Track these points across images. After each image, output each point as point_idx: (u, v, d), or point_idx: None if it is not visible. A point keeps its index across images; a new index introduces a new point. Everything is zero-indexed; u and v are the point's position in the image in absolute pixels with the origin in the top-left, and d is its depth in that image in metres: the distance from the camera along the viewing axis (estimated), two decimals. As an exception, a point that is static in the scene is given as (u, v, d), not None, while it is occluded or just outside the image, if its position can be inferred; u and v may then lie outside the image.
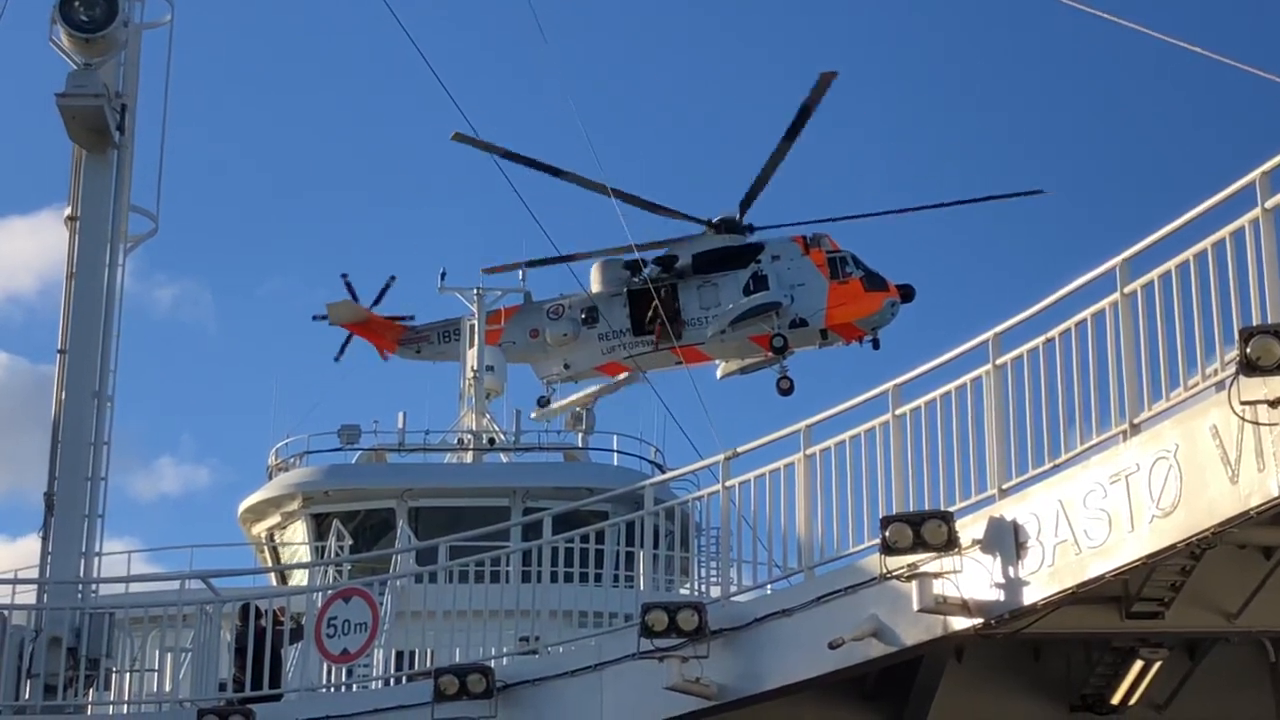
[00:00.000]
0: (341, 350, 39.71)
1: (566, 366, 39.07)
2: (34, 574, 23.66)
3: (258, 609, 21.45)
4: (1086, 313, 15.63)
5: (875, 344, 38.32)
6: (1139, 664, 17.49)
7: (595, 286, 39.04)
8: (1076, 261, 15.83)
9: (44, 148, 75.01)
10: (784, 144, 37.12)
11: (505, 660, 19.96)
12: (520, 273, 39.85)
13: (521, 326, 39.21)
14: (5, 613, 21.78)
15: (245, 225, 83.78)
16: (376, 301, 39.36)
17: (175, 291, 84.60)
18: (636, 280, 38.23)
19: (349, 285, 39.35)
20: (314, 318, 39.64)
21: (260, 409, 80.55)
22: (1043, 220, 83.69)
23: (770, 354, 38.34)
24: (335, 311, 39.14)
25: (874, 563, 16.56)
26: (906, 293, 38.49)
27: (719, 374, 39.91)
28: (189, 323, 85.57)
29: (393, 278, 39.62)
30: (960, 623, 16.11)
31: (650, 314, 37.47)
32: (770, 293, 37.72)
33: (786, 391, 38.34)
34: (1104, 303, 15.44)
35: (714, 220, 38.81)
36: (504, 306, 39.58)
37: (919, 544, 15.96)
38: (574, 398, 39.80)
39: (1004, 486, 16.24)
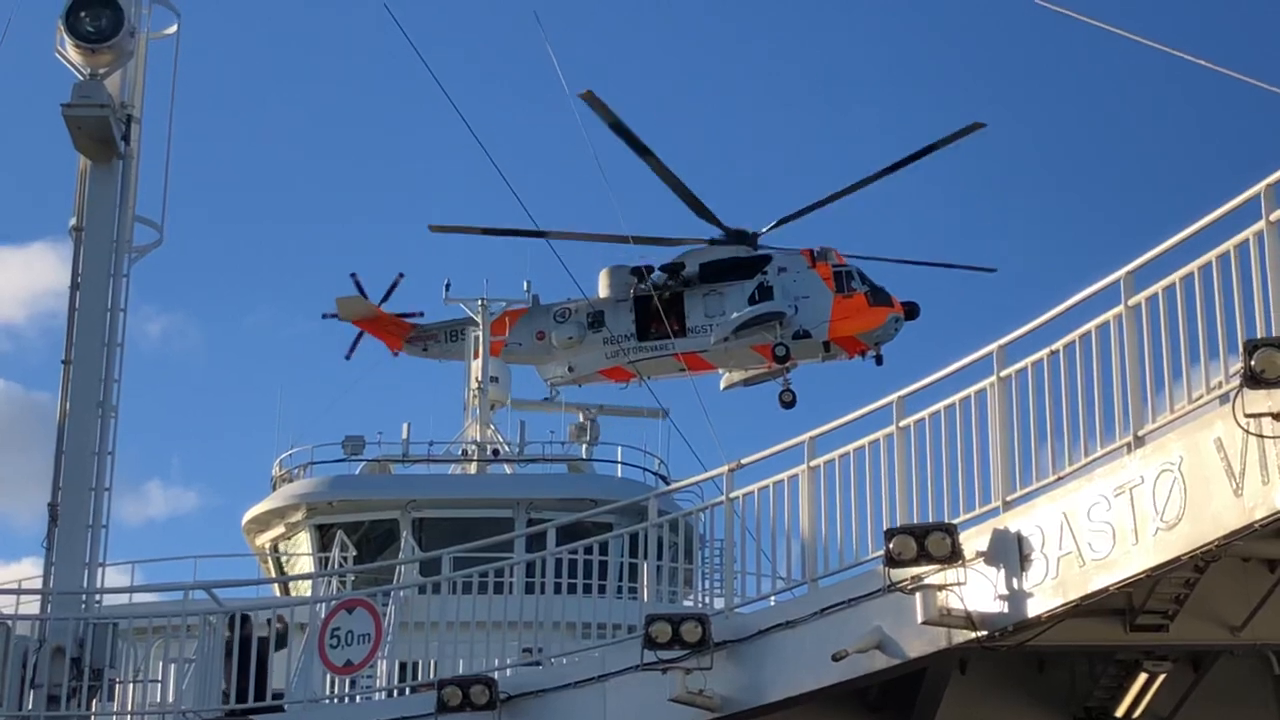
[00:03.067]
0: (352, 348, 39.74)
1: (571, 369, 39.18)
2: (37, 584, 23.66)
3: (243, 617, 21.41)
4: (1091, 325, 15.63)
5: (878, 360, 38.41)
6: (1143, 677, 17.46)
7: (602, 292, 39.19)
8: (1080, 276, 15.83)
9: (43, 176, 74.92)
10: (649, 160, 36.99)
11: (509, 671, 19.94)
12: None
13: (527, 329, 39.35)
14: (9, 623, 21.78)
15: (236, 249, 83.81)
16: (384, 299, 39.41)
17: (164, 324, 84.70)
18: (643, 286, 38.34)
19: (358, 284, 39.38)
20: (324, 315, 39.66)
21: (248, 434, 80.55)
22: (1043, 234, 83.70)
23: (773, 364, 38.44)
24: (345, 306, 39.16)
25: (878, 575, 16.56)
26: (911, 310, 38.60)
27: (722, 385, 40.00)
28: (178, 353, 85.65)
29: (400, 275, 39.72)
30: (964, 635, 16.08)
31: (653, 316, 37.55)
32: (775, 302, 37.82)
33: (789, 404, 38.47)
34: (1108, 315, 15.44)
35: (718, 236, 38.95)
36: (510, 310, 39.69)
37: (923, 556, 15.94)
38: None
39: (1008, 499, 16.23)
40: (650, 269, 38.74)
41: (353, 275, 39.57)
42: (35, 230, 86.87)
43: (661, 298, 37.94)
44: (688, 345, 38.31)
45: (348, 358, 39.83)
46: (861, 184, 37.85)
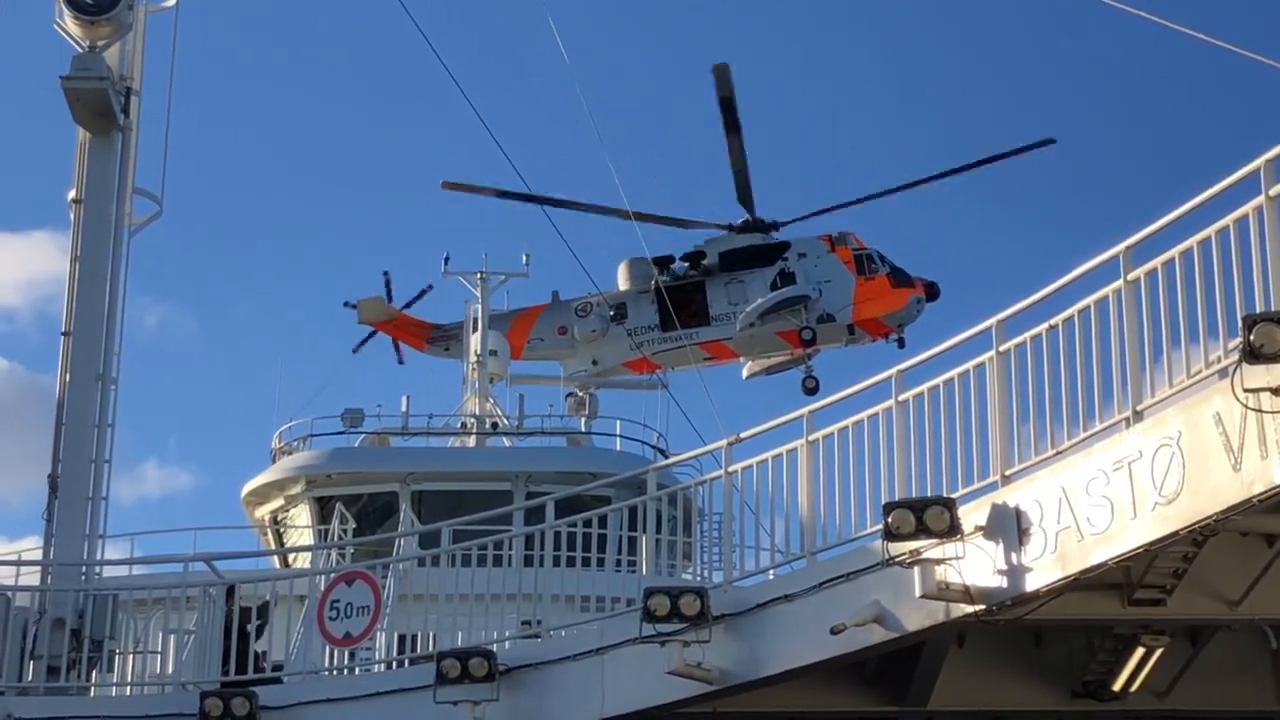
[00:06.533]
0: (361, 344, 39.76)
1: (595, 363, 39.21)
2: (38, 555, 23.70)
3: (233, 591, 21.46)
4: (1090, 299, 15.62)
5: (900, 343, 38.50)
6: (1140, 651, 17.49)
7: (623, 284, 39.28)
8: (1083, 249, 15.81)
9: (47, 163, 74.85)
10: (732, 139, 37.12)
11: (507, 644, 19.98)
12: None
13: (550, 324, 39.42)
14: (9, 594, 21.82)
15: (234, 234, 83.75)
16: (409, 305, 39.42)
17: (160, 314, 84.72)
18: (664, 277, 38.36)
19: (388, 284, 39.42)
20: (345, 304, 39.68)
21: (245, 416, 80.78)
22: (1051, 206, 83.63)
23: (797, 350, 38.54)
24: (365, 308, 39.16)
25: (876, 548, 16.58)
26: (932, 290, 38.70)
27: (745, 374, 40.09)
28: (174, 341, 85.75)
29: (429, 286, 39.76)
30: (962, 609, 16.11)
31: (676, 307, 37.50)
32: (798, 287, 37.94)
33: (812, 390, 38.48)
34: (1108, 289, 15.43)
35: (736, 223, 39.07)
36: (532, 305, 39.78)
37: (921, 530, 15.96)
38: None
39: (1007, 473, 16.24)
40: (671, 259, 38.84)
41: (384, 274, 39.67)
42: (37, 219, 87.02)
43: (683, 288, 37.99)
44: (712, 334, 38.45)
45: (355, 351, 39.88)
46: (913, 184, 38.13)
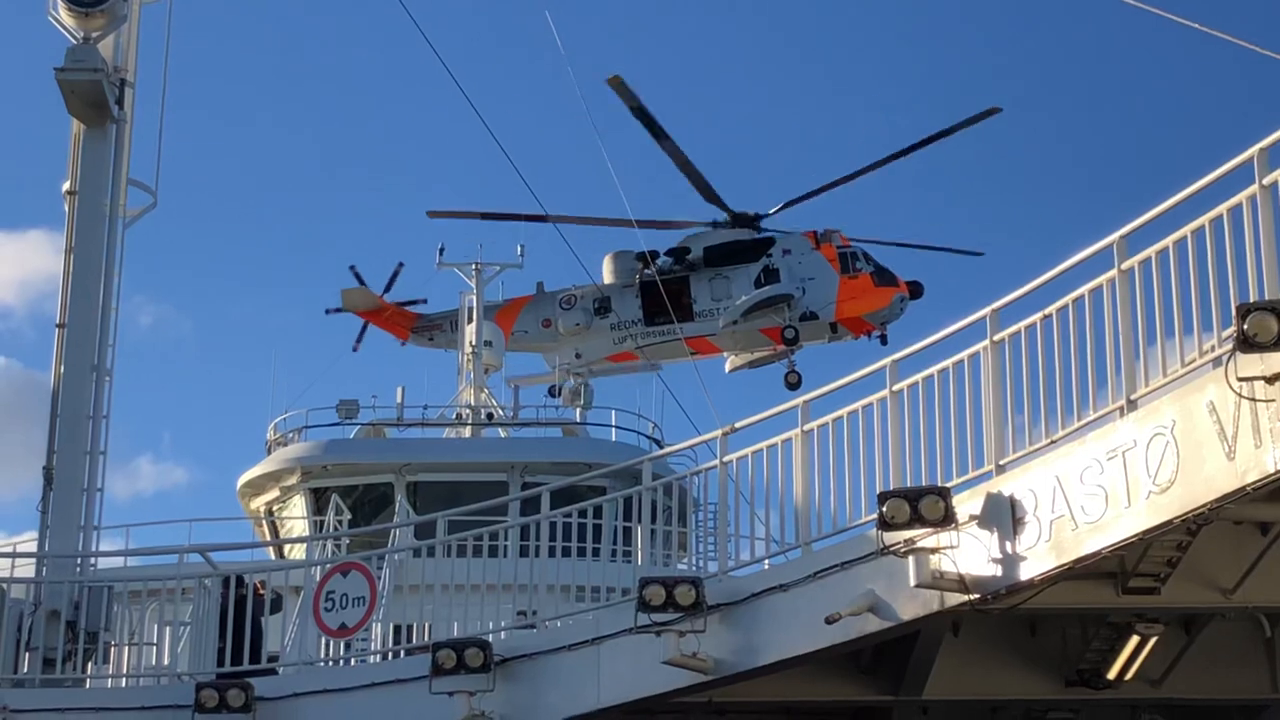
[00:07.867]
0: (359, 339, 39.78)
1: (578, 356, 39.24)
2: (33, 547, 23.70)
3: (238, 579, 21.47)
4: (1084, 289, 15.63)
5: (883, 339, 38.54)
6: (1135, 639, 17.52)
7: (607, 277, 39.27)
8: (1071, 244, 15.82)
9: (44, 160, 74.96)
10: (664, 144, 36.98)
11: (503, 634, 19.99)
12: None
13: (534, 316, 39.46)
14: (4, 586, 21.80)
15: (227, 233, 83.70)
16: (386, 289, 39.42)
17: (154, 315, 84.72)
18: (648, 271, 38.37)
19: (358, 276, 39.41)
20: (327, 311, 39.67)
21: (239, 413, 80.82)
22: (1049, 200, 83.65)
23: (779, 346, 38.61)
24: (349, 298, 39.19)
25: (871, 538, 16.58)
26: (915, 289, 38.73)
27: (728, 367, 40.15)
28: (169, 341, 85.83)
29: (401, 264, 39.78)
30: (957, 598, 16.12)
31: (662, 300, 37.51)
32: (782, 284, 37.95)
33: (794, 385, 38.56)
34: (1102, 279, 15.43)
35: (721, 219, 39.08)
36: (517, 297, 39.79)
37: (916, 519, 15.97)
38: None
39: (1001, 462, 16.25)
40: (655, 254, 38.85)
41: (351, 267, 39.75)
42: (33, 217, 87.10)
43: (668, 282, 38.03)
44: (696, 329, 38.50)
45: (355, 349, 39.91)
46: (873, 167, 37.97)
